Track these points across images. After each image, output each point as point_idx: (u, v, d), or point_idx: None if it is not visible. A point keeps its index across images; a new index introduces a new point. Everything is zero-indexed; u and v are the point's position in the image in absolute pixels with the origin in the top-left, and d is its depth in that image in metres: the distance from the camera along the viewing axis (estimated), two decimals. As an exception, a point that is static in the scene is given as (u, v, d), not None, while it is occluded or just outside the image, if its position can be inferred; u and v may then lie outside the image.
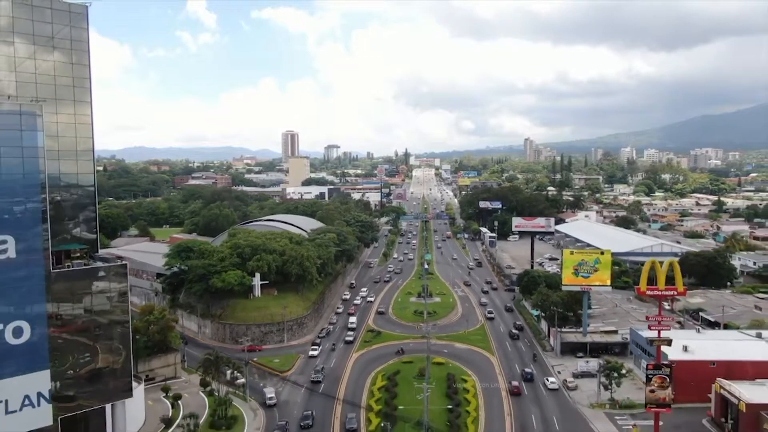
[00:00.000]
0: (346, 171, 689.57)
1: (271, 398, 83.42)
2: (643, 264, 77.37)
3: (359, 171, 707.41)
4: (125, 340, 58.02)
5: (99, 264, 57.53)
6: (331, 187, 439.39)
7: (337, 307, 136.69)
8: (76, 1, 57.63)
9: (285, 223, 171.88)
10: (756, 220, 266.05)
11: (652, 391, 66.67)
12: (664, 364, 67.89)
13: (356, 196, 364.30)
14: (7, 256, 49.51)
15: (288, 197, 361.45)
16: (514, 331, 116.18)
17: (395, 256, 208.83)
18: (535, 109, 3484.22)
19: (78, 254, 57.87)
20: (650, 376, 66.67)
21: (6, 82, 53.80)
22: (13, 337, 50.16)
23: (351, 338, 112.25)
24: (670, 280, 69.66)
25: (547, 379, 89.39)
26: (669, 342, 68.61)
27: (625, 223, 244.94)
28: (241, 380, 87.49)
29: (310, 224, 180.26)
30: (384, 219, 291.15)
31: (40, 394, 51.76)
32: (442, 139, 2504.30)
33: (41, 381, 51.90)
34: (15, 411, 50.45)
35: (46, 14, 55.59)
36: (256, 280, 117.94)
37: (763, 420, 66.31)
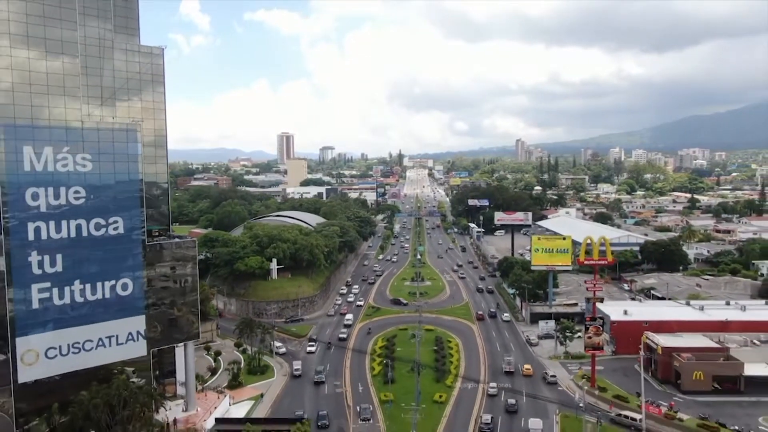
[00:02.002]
0: (341, 172, 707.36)
1: (297, 370, 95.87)
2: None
3: (354, 172, 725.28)
4: (194, 295, 78.14)
5: (176, 240, 77.73)
6: (329, 187, 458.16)
7: (336, 300, 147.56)
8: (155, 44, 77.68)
9: (293, 218, 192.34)
10: (723, 215, 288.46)
11: (590, 338, 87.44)
12: (598, 317, 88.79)
13: (353, 195, 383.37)
14: (118, 231, 69.67)
15: (288, 197, 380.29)
16: (479, 286, 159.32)
17: (381, 257, 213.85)
18: (528, 110, 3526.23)
19: (157, 233, 77.75)
20: (588, 326, 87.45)
21: (108, 107, 73.80)
22: (121, 290, 70.22)
23: (345, 335, 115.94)
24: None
25: (504, 315, 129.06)
26: (601, 300, 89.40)
27: (602, 218, 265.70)
28: (268, 341, 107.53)
29: (314, 219, 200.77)
30: (380, 216, 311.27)
31: (138, 332, 71.84)
32: (435, 140, 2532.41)
33: (139, 323, 71.99)
34: (122, 343, 70.68)
35: (135, 56, 75.61)
36: (273, 265, 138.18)
37: (673, 358, 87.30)
